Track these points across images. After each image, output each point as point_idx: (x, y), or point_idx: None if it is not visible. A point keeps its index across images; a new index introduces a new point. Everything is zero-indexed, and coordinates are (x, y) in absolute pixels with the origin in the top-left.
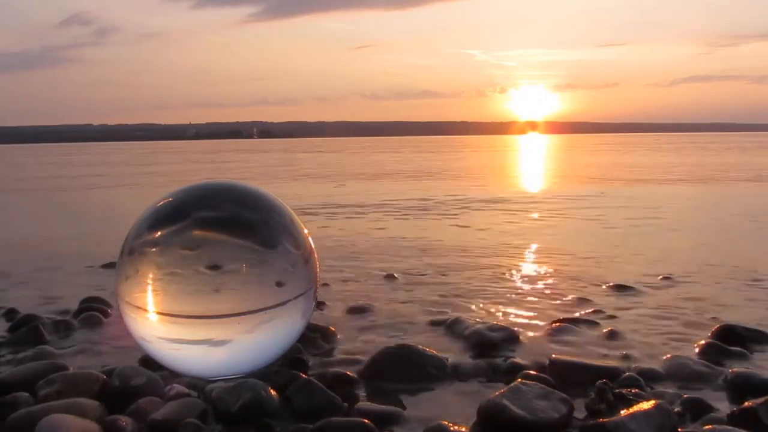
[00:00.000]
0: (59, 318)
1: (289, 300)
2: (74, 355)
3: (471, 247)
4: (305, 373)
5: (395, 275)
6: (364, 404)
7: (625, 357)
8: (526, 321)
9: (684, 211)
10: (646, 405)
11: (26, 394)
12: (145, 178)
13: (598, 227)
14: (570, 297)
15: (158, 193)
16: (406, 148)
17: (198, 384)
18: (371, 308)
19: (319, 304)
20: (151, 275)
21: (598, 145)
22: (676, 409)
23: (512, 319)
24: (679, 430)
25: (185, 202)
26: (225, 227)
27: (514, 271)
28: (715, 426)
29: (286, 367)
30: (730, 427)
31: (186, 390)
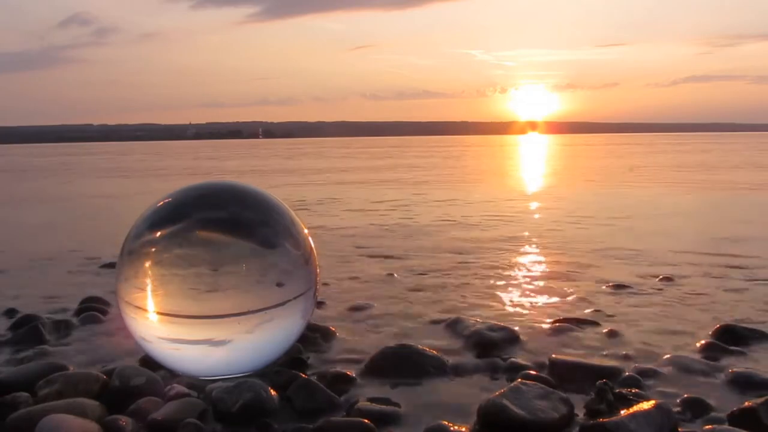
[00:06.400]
0: (59, 318)
1: (289, 300)
2: (74, 355)
3: (470, 246)
4: (305, 373)
5: (395, 275)
6: (364, 404)
7: (625, 357)
8: (526, 321)
9: (686, 210)
10: (646, 405)
11: (26, 394)
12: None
13: (599, 226)
14: (570, 297)
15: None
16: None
17: (198, 384)
18: (371, 308)
19: (319, 304)
20: (151, 275)
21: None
22: (676, 409)
23: (512, 319)
24: (679, 430)
25: (185, 202)
26: (225, 227)
27: (514, 271)
28: (715, 426)
29: (286, 367)
30: (730, 427)
31: (186, 390)
